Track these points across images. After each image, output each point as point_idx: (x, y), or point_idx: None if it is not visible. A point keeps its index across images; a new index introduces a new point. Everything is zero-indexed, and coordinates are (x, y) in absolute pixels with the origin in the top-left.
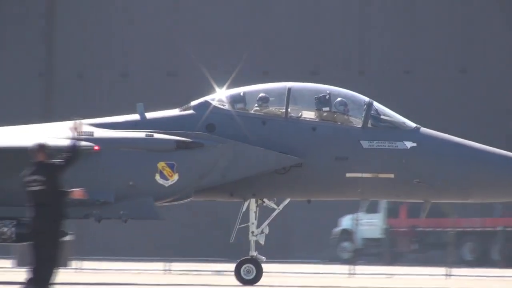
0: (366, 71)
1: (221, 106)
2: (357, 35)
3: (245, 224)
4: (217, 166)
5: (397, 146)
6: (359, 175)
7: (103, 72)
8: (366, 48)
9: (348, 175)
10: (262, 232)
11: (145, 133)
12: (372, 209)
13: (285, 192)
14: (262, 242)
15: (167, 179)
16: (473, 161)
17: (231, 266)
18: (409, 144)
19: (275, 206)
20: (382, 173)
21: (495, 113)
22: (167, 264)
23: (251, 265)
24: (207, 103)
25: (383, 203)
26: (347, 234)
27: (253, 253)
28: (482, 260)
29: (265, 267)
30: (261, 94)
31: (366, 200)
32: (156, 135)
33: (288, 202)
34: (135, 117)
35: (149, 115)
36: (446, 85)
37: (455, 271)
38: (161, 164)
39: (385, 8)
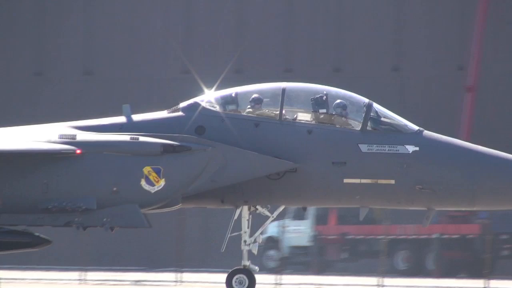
0: (293, 69)
1: (212, 108)
2: (283, 32)
3: (237, 233)
4: (206, 171)
5: (398, 150)
6: (357, 181)
7: (16, 72)
8: (292, 45)
9: (345, 180)
10: (255, 241)
11: (130, 136)
12: (300, 215)
13: (279, 199)
14: (255, 251)
15: (153, 185)
16: (479, 166)
17: (150, 276)
18: (410, 148)
19: (268, 214)
20: (382, 179)
21: (426, 113)
22: (83, 273)
23: (243, 276)
24: (196, 105)
25: (311, 209)
26: (273, 242)
27: (246, 262)
28: (416, 269)
29: (184, 276)
30: (254, 95)
31: (365, 207)
32: (142, 138)
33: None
34: (121, 119)
35: (136, 117)
36: (378, 83)
37: (388, 281)
38: (146, 169)
39: (313, 5)
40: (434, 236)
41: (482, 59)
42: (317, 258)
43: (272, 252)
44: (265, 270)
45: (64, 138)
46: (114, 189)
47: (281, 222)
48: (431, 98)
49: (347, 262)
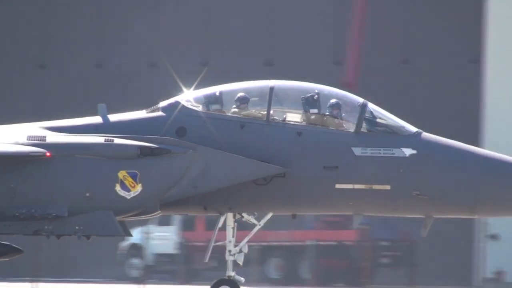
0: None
1: (194, 108)
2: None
3: (221, 242)
4: (186, 176)
5: (394, 154)
6: (350, 186)
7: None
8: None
9: (338, 186)
10: (240, 251)
11: (104, 138)
12: (165, 221)
13: (267, 206)
14: (240, 262)
15: (129, 190)
16: (481, 171)
17: (3, 286)
18: (407, 151)
19: (255, 222)
20: (376, 184)
21: None
22: None
23: (228, 287)
24: (177, 104)
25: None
26: (136, 249)
27: (231, 273)
28: (290, 278)
29: (40, 286)
30: (240, 94)
31: (359, 215)
32: (117, 140)
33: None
34: (97, 119)
35: (112, 117)
36: (250, 77)
37: None
38: (122, 173)
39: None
40: (309, 243)
41: (361, 54)
42: (184, 266)
43: (135, 261)
44: (127, 279)
45: (33, 140)
46: (87, 194)
47: (144, 228)
48: None
49: (216, 271)
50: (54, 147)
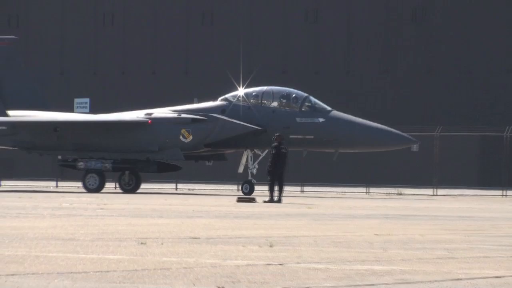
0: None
1: (234, 100)
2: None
3: (246, 163)
4: (213, 132)
5: (313, 121)
6: (296, 136)
7: None
8: None
9: (291, 136)
10: (254, 167)
11: (177, 113)
12: None
13: (262, 145)
14: (254, 172)
15: (186, 138)
16: (355, 128)
17: None
18: (321, 119)
19: (260, 153)
20: (307, 135)
21: None
22: None
23: (247, 185)
24: (226, 98)
25: None
26: None
27: (249, 178)
28: None
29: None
30: (254, 93)
31: (305, 150)
32: (183, 115)
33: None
34: (193, 106)
35: (199, 104)
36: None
37: None
38: (183, 130)
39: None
40: None
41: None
42: None
43: None
44: None
45: (146, 115)
46: (167, 140)
47: None
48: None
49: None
50: (154, 119)
